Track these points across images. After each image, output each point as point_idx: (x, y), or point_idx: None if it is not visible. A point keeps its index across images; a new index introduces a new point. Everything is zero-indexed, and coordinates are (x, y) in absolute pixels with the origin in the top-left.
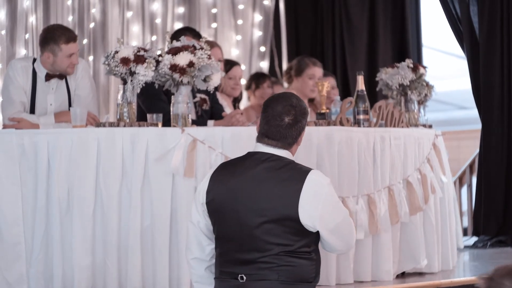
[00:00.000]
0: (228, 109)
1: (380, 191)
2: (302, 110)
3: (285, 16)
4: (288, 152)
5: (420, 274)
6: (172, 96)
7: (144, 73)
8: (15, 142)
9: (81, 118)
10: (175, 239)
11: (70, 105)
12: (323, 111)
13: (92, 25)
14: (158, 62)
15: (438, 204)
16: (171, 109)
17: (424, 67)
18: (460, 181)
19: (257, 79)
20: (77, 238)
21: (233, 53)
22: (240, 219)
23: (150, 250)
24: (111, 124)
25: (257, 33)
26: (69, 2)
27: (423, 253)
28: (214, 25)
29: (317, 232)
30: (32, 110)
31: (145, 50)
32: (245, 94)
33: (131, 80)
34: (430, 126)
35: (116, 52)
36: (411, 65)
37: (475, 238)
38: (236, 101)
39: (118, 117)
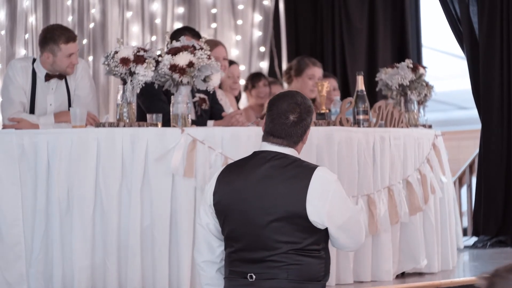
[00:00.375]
0: (231, 108)
1: (380, 191)
2: (307, 108)
3: (285, 16)
4: (293, 150)
5: (420, 274)
6: (172, 96)
7: (144, 73)
8: (15, 142)
9: (81, 118)
10: (175, 239)
11: (69, 105)
12: (323, 111)
13: (91, 25)
14: (157, 62)
15: (438, 204)
16: (171, 109)
17: (424, 67)
18: (460, 181)
19: (252, 79)
20: (77, 238)
21: (233, 53)
22: (248, 218)
23: (150, 250)
24: (111, 124)
25: (257, 33)
26: (69, 2)
27: (423, 253)
28: (213, 25)
29: (326, 230)
30: (32, 110)
31: (145, 50)
32: (244, 95)
33: (131, 80)
34: (430, 126)
35: (116, 52)
36: (411, 65)
37: (475, 238)
38: (236, 100)
39: (118, 117)
